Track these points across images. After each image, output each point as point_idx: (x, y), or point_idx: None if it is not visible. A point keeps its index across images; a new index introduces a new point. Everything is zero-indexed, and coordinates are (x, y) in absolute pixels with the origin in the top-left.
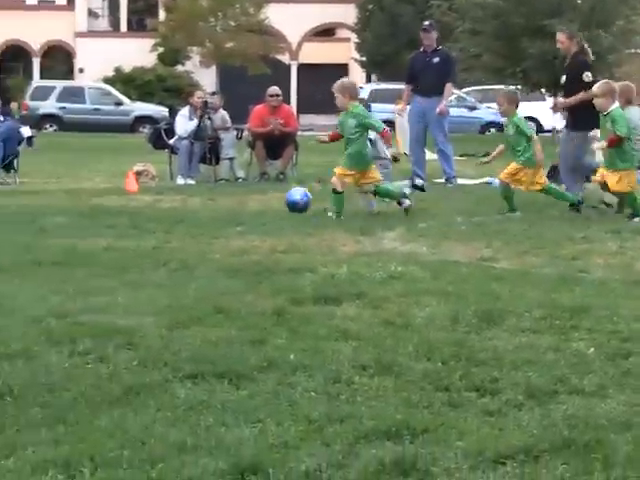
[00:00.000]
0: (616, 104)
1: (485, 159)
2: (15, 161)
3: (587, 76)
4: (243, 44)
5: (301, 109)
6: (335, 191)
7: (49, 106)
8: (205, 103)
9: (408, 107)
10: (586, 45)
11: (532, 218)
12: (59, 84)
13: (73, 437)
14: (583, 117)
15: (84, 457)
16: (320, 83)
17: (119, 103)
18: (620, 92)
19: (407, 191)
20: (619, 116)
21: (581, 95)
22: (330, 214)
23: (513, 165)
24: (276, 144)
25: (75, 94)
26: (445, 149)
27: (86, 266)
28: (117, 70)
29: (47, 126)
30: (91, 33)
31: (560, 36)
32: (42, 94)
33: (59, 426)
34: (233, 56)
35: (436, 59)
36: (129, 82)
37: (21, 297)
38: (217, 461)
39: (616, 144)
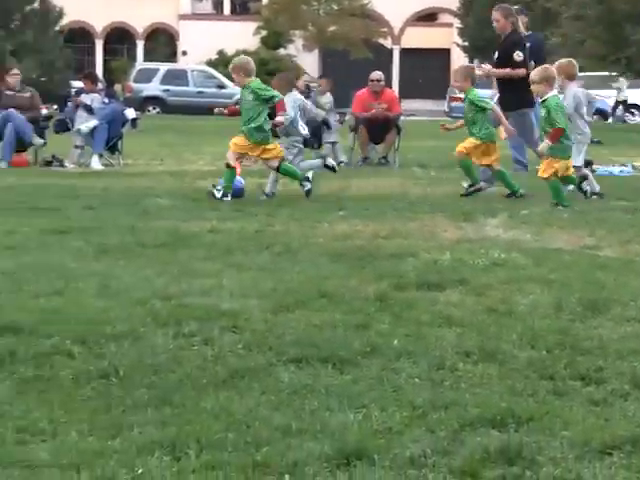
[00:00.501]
0: (554, 91)
1: (448, 125)
2: (119, 143)
3: (518, 55)
4: (346, 28)
5: (403, 94)
6: (229, 166)
7: (153, 88)
8: (308, 87)
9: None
10: (521, 24)
11: (635, 206)
12: (163, 67)
13: (179, 419)
14: (511, 98)
15: (190, 439)
16: (422, 68)
17: (222, 86)
18: (561, 69)
19: (310, 174)
20: (555, 106)
21: (507, 70)
22: (216, 191)
23: (471, 140)
24: (379, 129)
25: (178, 77)
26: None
27: (190, 248)
28: (220, 53)
29: (150, 108)
30: (195, 16)
31: (496, 14)
32: (146, 76)
33: (165, 407)
34: (335, 40)
35: (527, 44)
36: None
37: (126, 278)
38: (322, 445)
39: (559, 137)
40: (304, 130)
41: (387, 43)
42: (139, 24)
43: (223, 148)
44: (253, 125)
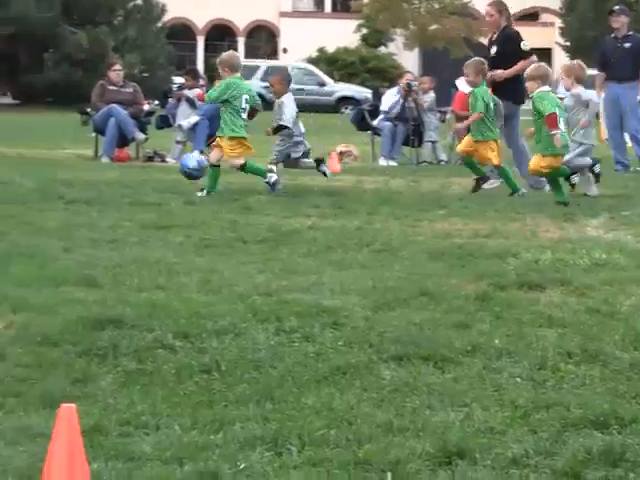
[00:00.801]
0: (544, 87)
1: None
2: None
3: (524, 44)
4: (446, 27)
5: None
6: (241, 168)
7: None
8: (409, 85)
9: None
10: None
11: None
12: (263, 63)
13: (280, 414)
14: (508, 88)
15: (292, 435)
16: None
17: (322, 83)
18: (569, 71)
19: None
20: (539, 97)
21: (520, 65)
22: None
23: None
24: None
25: None
26: (638, 135)
27: (290, 244)
28: (321, 50)
29: None
30: (295, 13)
31: (489, 9)
32: (246, 73)
33: (266, 403)
34: (436, 38)
35: (627, 44)
36: (332, 63)
37: (227, 274)
38: (424, 444)
39: (554, 121)
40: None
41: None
42: (240, 21)
43: (323, 145)
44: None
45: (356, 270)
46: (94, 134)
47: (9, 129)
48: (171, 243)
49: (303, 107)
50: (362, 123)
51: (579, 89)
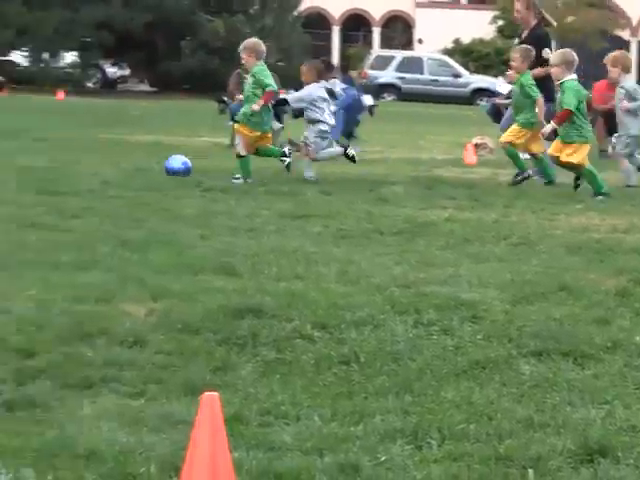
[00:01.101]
0: (571, 75)
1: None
2: (355, 129)
3: (546, 52)
4: (583, 19)
5: None
6: (239, 156)
7: (388, 75)
8: None
9: None
10: (547, 15)
11: None
12: (398, 54)
13: (420, 407)
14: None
15: (432, 428)
16: None
17: (457, 75)
18: (615, 61)
19: (286, 149)
20: (569, 88)
21: (537, 71)
22: (237, 180)
23: (513, 127)
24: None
25: (414, 64)
26: None
27: (427, 236)
28: (456, 42)
29: (385, 95)
30: (431, 4)
31: (517, 4)
32: (382, 63)
33: (406, 396)
34: (573, 31)
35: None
36: (467, 54)
37: (365, 265)
38: (565, 440)
39: (565, 119)
40: (330, 119)
41: (625, 35)
42: (376, 11)
43: (457, 137)
44: (247, 110)
45: (493, 263)
46: (231, 123)
47: (147, 116)
48: (308, 233)
49: (437, 98)
50: (497, 115)
51: (632, 84)
